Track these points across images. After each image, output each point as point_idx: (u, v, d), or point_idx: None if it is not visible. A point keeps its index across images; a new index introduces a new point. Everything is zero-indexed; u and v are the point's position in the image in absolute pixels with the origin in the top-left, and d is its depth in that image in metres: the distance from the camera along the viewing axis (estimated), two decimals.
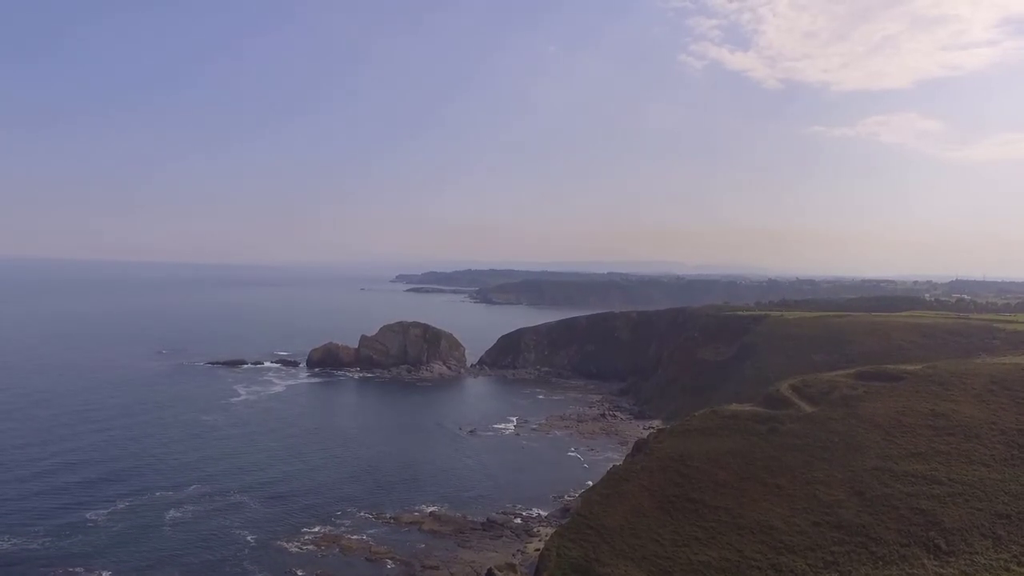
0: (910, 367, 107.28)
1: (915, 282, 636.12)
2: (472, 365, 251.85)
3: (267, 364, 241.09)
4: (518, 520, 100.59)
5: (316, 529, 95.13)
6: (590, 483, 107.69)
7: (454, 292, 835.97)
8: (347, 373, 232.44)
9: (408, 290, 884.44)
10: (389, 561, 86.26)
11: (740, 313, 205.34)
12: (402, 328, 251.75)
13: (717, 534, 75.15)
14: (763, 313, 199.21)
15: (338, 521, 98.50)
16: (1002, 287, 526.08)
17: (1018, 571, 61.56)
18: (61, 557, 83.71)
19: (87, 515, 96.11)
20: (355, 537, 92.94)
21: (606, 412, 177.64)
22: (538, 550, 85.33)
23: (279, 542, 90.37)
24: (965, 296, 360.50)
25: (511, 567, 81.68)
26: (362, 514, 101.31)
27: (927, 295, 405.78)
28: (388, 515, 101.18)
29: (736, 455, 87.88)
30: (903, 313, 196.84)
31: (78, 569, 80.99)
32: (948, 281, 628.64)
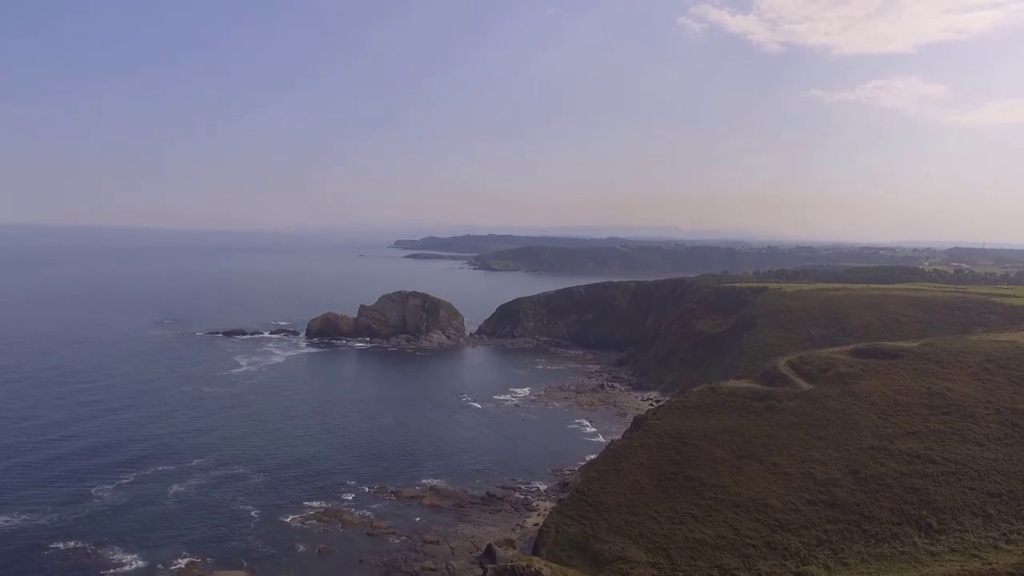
0: (907, 344, 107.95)
1: (914, 249, 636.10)
2: (471, 334, 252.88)
3: (266, 334, 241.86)
4: (518, 494, 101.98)
5: (318, 504, 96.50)
6: (589, 457, 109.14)
7: (453, 258, 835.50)
8: (346, 343, 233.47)
9: (407, 256, 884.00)
10: (390, 536, 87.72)
11: (738, 285, 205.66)
12: (401, 298, 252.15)
13: (713, 512, 76.51)
14: (761, 285, 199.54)
15: (340, 495, 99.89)
16: (1001, 255, 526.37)
17: (1007, 549, 62.84)
18: (68, 532, 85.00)
19: (92, 490, 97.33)
20: (356, 512, 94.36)
21: (605, 383, 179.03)
22: (537, 525, 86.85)
23: (281, 517, 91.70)
24: (964, 266, 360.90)
25: (510, 542, 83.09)
26: (363, 488, 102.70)
27: (926, 263, 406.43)
28: (389, 489, 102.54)
29: (733, 433, 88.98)
30: (901, 285, 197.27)
31: (86, 544, 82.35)
32: (947, 248, 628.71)
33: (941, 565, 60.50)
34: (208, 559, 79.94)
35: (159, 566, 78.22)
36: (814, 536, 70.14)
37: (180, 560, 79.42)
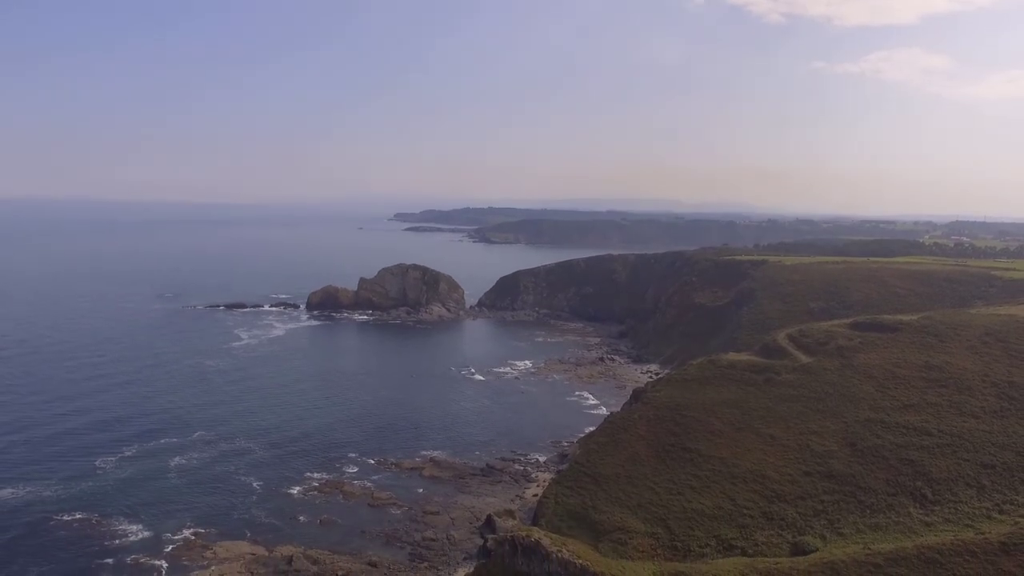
0: (906, 317, 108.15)
1: (915, 223, 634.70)
2: (471, 307, 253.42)
3: (267, 307, 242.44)
4: (517, 466, 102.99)
5: (319, 475, 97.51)
6: (588, 429, 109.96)
7: (453, 231, 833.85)
8: (347, 316, 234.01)
9: (406, 229, 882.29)
10: (391, 507, 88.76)
11: (738, 258, 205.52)
12: (401, 271, 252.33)
13: (711, 483, 77.35)
14: (761, 258, 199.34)
15: (341, 467, 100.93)
16: (1002, 228, 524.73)
17: (999, 519, 63.64)
18: (74, 504, 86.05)
19: (96, 463, 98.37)
20: (358, 483, 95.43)
21: (604, 356, 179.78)
22: (536, 496, 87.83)
23: (283, 488, 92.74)
24: (964, 239, 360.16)
25: (510, 513, 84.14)
26: (364, 460, 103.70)
27: (926, 237, 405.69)
28: (390, 461, 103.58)
29: (732, 405, 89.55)
30: (901, 259, 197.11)
31: (91, 516, 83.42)
32: (948, 222, 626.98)
33: (935, 535, 61.27)
34: (211, 530, 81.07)
35: (164, 536, 79.34)
36: (810, 507, 70.97)
37: (184, 531, 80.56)
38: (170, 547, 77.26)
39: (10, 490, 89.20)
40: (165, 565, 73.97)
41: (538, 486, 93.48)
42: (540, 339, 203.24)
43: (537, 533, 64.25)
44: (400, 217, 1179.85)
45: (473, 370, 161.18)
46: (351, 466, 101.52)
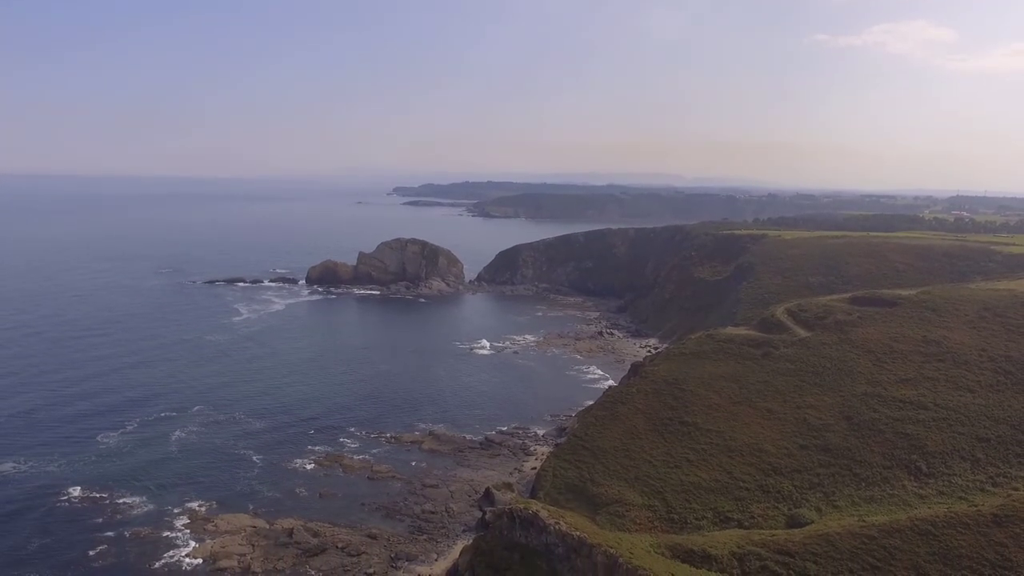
0: (904, 292, 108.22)
1: (915, 197, 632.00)
2: (470, 281, 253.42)
3: (266, 282, 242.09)
4: (516, 439, 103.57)
5: (319, 449, 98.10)
6: (587, 403, 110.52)
7: (452, 205, 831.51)
8: (346, 290, 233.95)
9: (405, 203, 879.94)
10: (390, 480, 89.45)
11: (737, 232, 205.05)
12: (400, 245, 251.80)
13: (708, 456, 77.96)
14: (761, 233, 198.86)
15: (341, 441, 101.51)
16: (1003, 203, 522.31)
17: (992, 491, 64.29)
18: (76, 478, 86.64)
19: (98, 437, 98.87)
20: (357, 457, 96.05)
21: (603, 330, 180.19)
22: (535, 469, 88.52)
23: (284, 462, 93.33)
24: (965, 214, 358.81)
25: (508, 486, 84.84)
26: (364, 434, 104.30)
27: (927, 212, 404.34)
28: (389, 435, 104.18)
29: (730, 379, 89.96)
30: (901, 233, 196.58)
31: (95, 489, 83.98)
32: (949, 197, 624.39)
33: (929, 507, 61.91)
34: (213, 503, 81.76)
35: (166, 509, 79.99)
36: (806, 480, 71.63)
37: (186, 504, 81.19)
38: (172, 520, 77.90)
39: (11, 464, 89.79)
40: (167, 537, 74.63)
41: (537, 459, 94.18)
42: (539, 313, 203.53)
43: (535, 506, 64.79)
44: (399, 191, 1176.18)
45: (472, 344, 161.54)
46: (351, 440, 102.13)
